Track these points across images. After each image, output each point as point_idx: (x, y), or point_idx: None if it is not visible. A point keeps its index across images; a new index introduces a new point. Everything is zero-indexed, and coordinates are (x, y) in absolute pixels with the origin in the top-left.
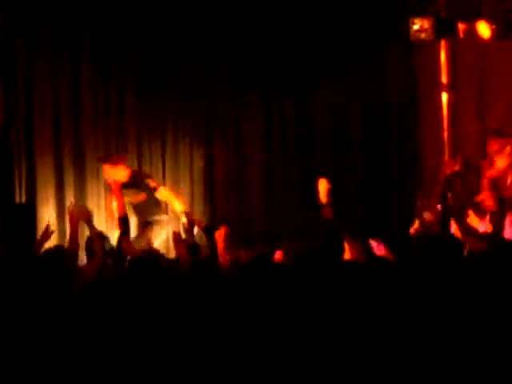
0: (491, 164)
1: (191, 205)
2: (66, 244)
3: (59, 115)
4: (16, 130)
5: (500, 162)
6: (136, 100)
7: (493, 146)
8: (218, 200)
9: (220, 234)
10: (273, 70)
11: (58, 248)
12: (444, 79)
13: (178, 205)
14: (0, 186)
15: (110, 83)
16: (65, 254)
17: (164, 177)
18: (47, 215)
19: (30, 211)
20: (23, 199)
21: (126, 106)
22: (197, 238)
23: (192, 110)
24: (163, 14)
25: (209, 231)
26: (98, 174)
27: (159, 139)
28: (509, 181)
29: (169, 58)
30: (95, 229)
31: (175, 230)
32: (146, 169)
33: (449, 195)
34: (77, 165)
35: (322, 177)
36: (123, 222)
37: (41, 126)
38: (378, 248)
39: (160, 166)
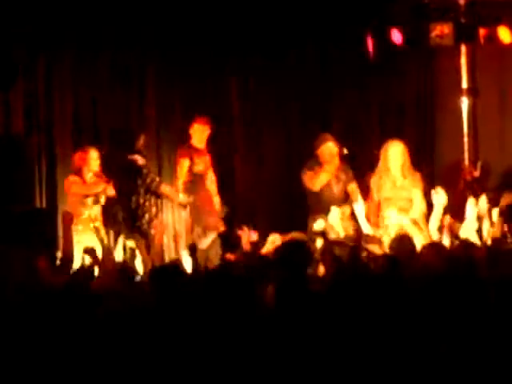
0: None
1: None
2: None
3: (79, 122)
4: (37, 136)
5: None
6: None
7: None
8: None
9: None
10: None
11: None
12: (464, 84)
13: None
14: (22, 192)
15: (131, 92)
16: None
17: None
18: None
19: (50, 216)
20: (44, 205)
21: (145, 111)
22: None
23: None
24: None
25: None
26: None
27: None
28: None
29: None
30: None
31: None
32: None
33: None
34: None
35: None
36: None
37: (61, 132)
38: None
39: None
